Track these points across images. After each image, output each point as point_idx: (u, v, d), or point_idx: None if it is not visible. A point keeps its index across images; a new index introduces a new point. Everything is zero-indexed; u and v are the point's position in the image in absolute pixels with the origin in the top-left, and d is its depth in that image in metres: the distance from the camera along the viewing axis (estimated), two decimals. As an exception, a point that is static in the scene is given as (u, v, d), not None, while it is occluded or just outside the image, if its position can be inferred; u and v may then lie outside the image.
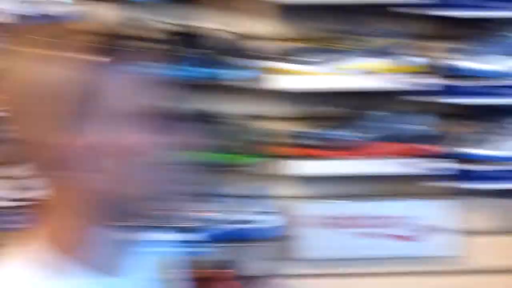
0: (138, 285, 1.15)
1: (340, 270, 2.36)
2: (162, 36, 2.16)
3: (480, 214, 2.37)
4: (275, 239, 2.29)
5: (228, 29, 2.22)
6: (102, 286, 1.06)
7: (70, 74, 0.95)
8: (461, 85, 2.18)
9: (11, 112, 0.98)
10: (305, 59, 2.19)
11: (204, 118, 2.18)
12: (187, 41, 2.17)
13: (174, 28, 2.19)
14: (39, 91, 0.95)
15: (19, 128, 0.99)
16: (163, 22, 2.20)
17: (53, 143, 0.96)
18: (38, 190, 1.97)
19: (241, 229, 2.22)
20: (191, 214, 2.18)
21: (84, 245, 1.05)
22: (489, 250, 2.37)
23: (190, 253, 2.17)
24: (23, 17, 2.11)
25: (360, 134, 2.21)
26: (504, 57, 2.17)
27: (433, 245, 2.32)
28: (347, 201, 2.32)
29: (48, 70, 0.95)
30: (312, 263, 2.35)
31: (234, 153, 2.20)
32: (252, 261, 2.30)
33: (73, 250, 1.04)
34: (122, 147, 0.99)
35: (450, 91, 2.17)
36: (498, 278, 2.37)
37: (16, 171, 2.12)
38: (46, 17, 2.11)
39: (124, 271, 1.11)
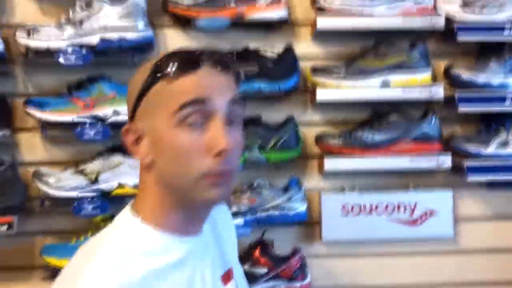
0: (211, 242, 1.40)
1: (355, 251, 2.65)
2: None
3: (474, 202, 2.69)
4: (302, 224, 2.58)
5: (273, 49, 2.55)
6: (183, 244, 1.28)
7: (132, 83, 1.28)
8: (465, 95, 2.52)
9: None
10: (336, 74, 2.51)
11: (251, 123, 2.49)
12: (240, 59, 2.47)
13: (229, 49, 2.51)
14: (129, 92, 1.29)
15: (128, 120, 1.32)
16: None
17: (125, 129, 1.28)
18: (110, 182, 2.30)
19: (274, 215, 2.51)
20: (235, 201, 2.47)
21: (165, 214, 1.26)
22: (481, 234, 2.68)
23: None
24: (105, 42, 2.38)
25: (378, 136, 2.52)
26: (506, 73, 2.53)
27: (433, 229, 2.62)
28: (363, 192, 2.62)
29: (134, 79, 1.29)
30: (332, 245, 2.64)
31: (272, 151, 2.50)
32: (282, 242, 2.57)
33: (156, 219, 1.26)
34: (163, 139, 1.23)
35: (458, 99, 2.51)
36: (488, 257, 2.68)
37: (89, 166, 2.41)
38: (123, 41, 2.39)
39: (202, 232, 1.34)
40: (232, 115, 1.26)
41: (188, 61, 1.24)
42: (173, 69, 1.23)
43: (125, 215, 1.31)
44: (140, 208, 1.29)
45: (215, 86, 1.24)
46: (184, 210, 1.28)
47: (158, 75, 1.24)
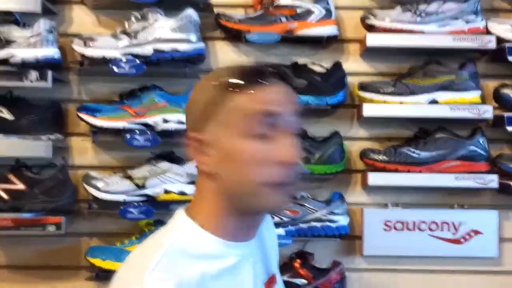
0: (257, 248, 1.41)
1: (395, 267, 2.65)
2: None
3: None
4: (343, 238, 2.58)
5: (322, 64, 2.59)
6: (236, 249, 1.31)
7: (201, 93, 1.32)
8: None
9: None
10: (383, 91, 2.53)
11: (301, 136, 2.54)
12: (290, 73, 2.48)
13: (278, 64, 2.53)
14: (194, 103, 1.34)
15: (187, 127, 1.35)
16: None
17: (189, 136, 1.31)
18: (156, 188, 2.35)
19: (316, 227, 2.54)
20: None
21: (220, 221, 1.30)
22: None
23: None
24: (158, 53, 2.45)
25: (424, 153, 2.52)
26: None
27: (478, 248, 2.61)
28: (406, 209, 2.62)
29: (200, 91, 1.34)
30: (372, 259, 2.65)
31: (316, 164, 2.54)
32: (323, 255, 2.60)
33: (211, 224, 1.29)
34: (231, 149, 1.26)
35: (506, 119, 2.51)
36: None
37: (137, 172, 2.48)
38: (175, 53, 2.45)
39: (253, 237, 1.37)
40: (296, 127, 1.30)
41: (256, 75, 1.29)
42: (243, 83, 1.27)
43: (181, 218, 1.34)
44: (196, 213, 1.32)
45: (283, 99, 1.28)
46: (240, 218, 1.31)
47: (229, 89, 1.28)
